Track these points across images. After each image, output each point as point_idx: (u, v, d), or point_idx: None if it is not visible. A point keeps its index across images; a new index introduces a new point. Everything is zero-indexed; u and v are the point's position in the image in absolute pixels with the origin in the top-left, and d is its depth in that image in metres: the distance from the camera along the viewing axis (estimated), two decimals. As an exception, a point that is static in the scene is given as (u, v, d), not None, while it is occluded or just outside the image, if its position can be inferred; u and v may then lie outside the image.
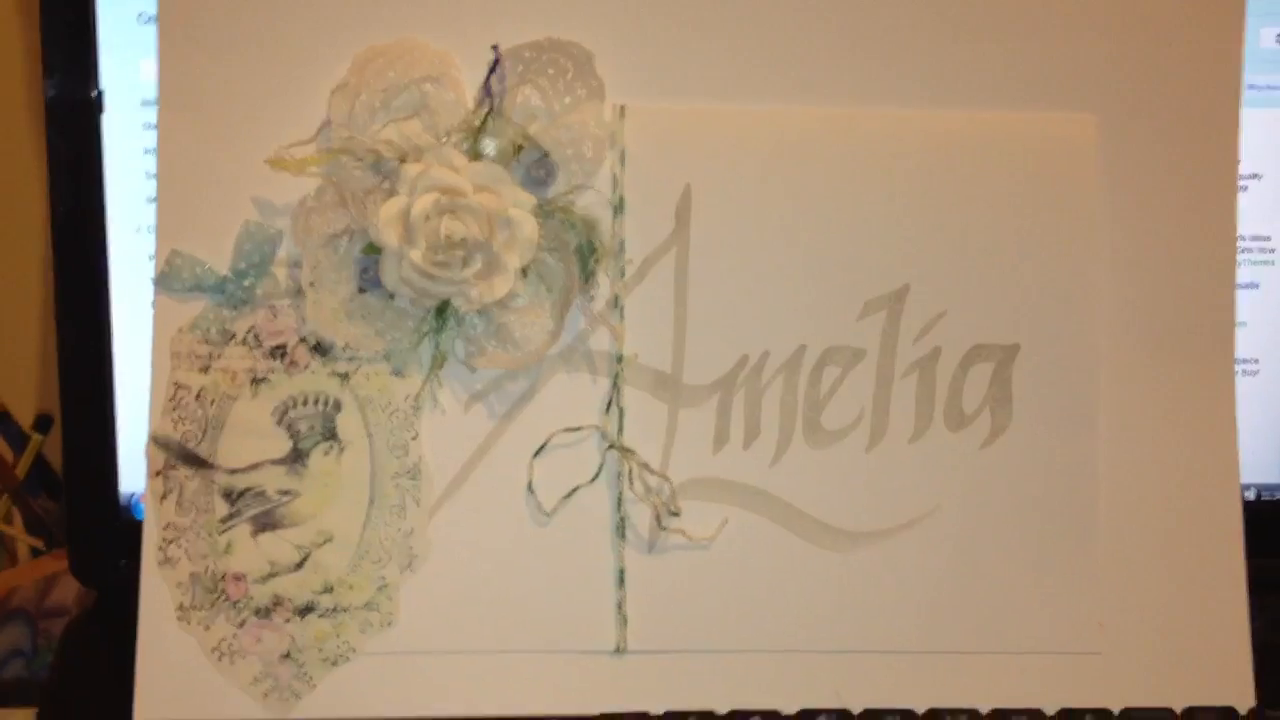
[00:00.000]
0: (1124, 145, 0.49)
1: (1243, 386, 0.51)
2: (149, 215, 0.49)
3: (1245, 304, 0.53)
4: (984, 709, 0.49)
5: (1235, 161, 0.49)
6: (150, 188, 0.49)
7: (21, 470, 0.65)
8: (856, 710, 0.48)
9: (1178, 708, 0.49)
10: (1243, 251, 0.53)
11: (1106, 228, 0.49)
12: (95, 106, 0.50)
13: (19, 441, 0.65)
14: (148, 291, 0.48)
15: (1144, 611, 0.49)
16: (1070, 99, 0.49)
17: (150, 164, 0.50)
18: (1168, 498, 0.49)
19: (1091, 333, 0.49)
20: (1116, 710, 0.49)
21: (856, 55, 0.48)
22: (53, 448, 0.65)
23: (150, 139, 0.50)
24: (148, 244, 0.48)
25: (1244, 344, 0.53)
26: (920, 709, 0.48)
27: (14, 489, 0.65)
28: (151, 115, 0.49)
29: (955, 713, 0.48)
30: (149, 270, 0.48)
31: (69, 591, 0.60)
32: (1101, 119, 0.49)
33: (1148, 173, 0.49)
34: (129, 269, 0.51)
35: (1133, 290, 0.49)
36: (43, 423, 0.67)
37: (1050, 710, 0.49)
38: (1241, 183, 0.52)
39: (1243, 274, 0.52)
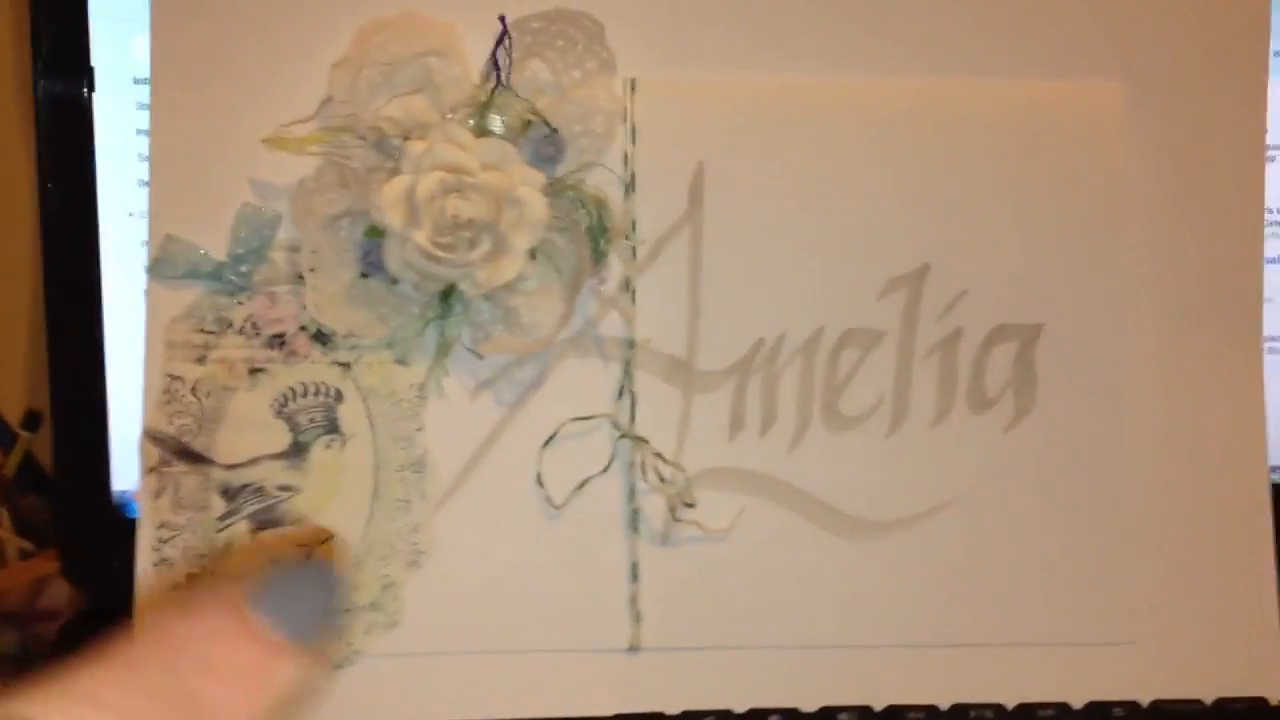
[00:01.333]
0: (1150, 115, 0.48)
1: (1271, 365, 0.50)
2: (141, 199, 0.47)
3: (1273, 280, 0.51)
4: (1009, 704, 0.47)
5: (1264, 132, 0.48)
6: (142, 170, 0.48)
7: (10, 469, 0.64)
8: (879, 706, 0.47)
9: (1208, 699, 0.48)
10: (1271, 225, 0.52)
11: (1132, 201, 0.48)
12: (86, 84, 0.48)
13: (7, 439, 0.64)
14: (140, 279, 0.46)
15: (1172, 599, 0.48)
16: (1095, 67, 0.47)
17: (142, 145, 0.48)
18: (1195, 480, 0.48)
19: (1118, 311, 0.48)
20: (1146, 702, 0.48)
21: (874, 24, 0.47)
22: (41, 446, 0.64)
23: (142, 119, 0.48)
24: (139, 229, 0.47)
25: (1272, 321, 0.51)
26: (944, 704, 0.47)
27: (2, 488, 0.64)
28: (143, 94, 0.47)
29: (980, 708, 0.47)
30: (141, 257, 0.46)
31: (60, 594, 0.58)
32: (1127, 88, 0.48)
33: (1174, 143, 0.48)
34: (120, 256, 0.49)
35: (1158, 266, 0.48)
36: (31, 420, 0.66)
37: (1078, 704, 0.47)
38: (1270, 153, 0.51)
39: (1271, 248, 0.51)
